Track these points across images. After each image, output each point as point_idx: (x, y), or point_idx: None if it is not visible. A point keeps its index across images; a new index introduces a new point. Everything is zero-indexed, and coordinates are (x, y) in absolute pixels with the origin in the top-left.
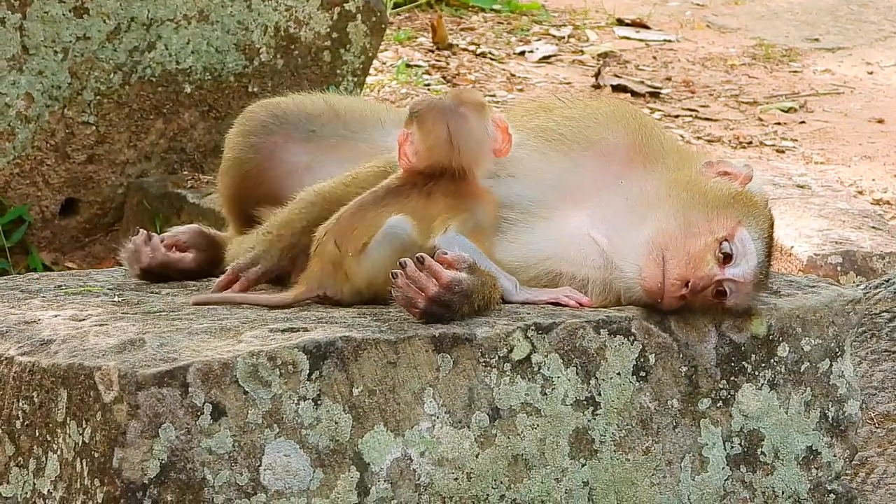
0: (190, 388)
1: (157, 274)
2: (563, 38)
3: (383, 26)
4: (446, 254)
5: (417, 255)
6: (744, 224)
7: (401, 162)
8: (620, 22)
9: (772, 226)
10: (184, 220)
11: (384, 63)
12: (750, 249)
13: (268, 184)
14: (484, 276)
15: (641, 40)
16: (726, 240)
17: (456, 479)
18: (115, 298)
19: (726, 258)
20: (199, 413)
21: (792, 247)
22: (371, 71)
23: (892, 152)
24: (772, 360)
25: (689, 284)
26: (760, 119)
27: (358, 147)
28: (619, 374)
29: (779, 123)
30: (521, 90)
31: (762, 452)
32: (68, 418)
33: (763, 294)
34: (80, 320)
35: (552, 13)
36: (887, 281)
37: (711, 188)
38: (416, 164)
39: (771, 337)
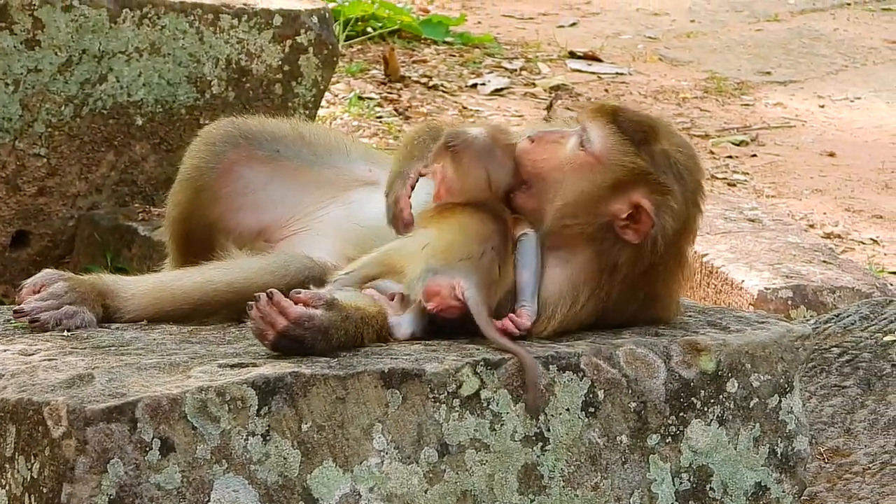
0: (138, 424)
1: None
2: (516, 70)
3: (335, 59)
4: (300, 293)
5: (269, 290)
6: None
7: (435, 197)
8: (573, 55)
9: None
10: (134, 252)
11: (336, 95)
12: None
13: (222, 203)
14: (349, 311)
15: (593, 73)
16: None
17: None
18: (65, 333)
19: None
20: (147, 448)
21: (742, 280)
22: (323, 103)
23: (843, 186)
24: (721, 396)
25: None
26: (712, 152)
27: (322, 174)
28: (567, 409)
29: (730, 157)
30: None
31: (711, 488)
32: (17, 453)
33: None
34: (29, 355)
35: (504, 46)
36: (837, 316)
37: None
38: (450, 199)
39: (720, 373)
